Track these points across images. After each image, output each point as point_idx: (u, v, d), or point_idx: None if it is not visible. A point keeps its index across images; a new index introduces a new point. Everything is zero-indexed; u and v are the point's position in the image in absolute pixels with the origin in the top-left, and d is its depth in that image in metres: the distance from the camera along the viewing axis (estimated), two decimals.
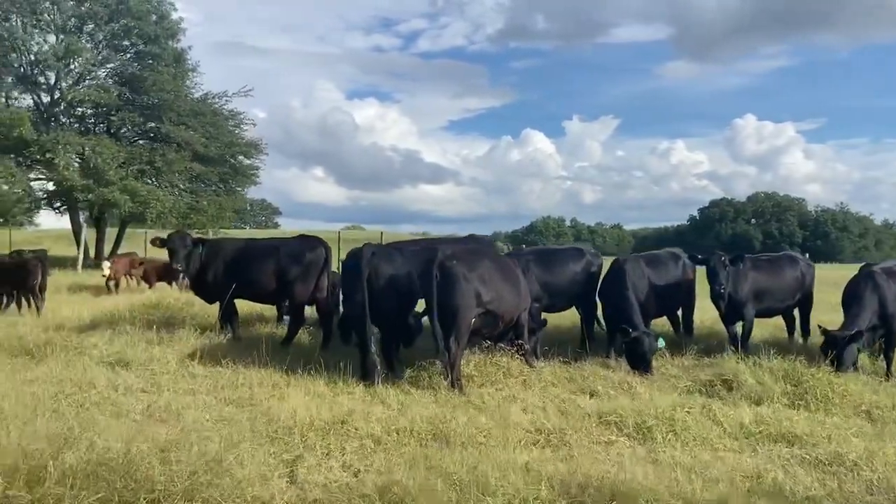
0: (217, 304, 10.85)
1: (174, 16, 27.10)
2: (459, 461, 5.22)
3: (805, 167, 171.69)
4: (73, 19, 25.36)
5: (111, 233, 29.37)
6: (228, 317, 10.34)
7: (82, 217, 27.14)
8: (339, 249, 18.28)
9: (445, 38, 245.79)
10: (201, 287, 10.63)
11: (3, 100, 23.03)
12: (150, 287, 16.63)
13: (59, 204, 25.98)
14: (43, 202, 25.73)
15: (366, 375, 8.02)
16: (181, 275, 16.60)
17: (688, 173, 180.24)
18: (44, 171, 25.43)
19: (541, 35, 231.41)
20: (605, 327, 10.62)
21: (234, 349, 9.41)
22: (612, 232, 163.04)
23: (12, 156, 24.22)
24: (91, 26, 25.78)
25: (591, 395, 7.83)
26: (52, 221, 35.26)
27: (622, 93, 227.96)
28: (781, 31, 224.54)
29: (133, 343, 9.56)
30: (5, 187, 22.60)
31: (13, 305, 12.90)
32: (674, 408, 6.75)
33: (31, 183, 25.23)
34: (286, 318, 11.90)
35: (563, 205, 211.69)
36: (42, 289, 12.51)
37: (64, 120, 26.61)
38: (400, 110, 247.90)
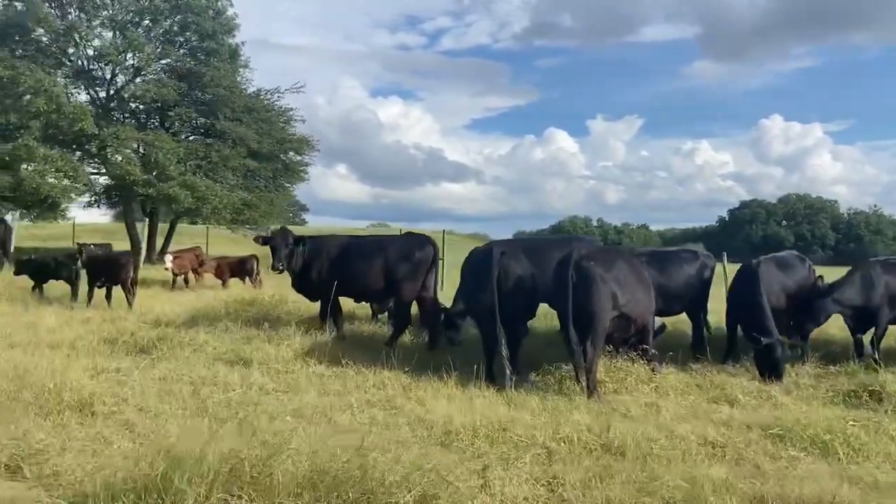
0: (313, 301, 10.78)
1: (230, 11, 27.21)
2: (649, 476, 4.97)
3: (833, 169, 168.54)
4: (131, 14, 25.44)
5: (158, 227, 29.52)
6: (334, 315, 10.19)
7: (113, 212, 26.93)
8: None
9: (470, 37, 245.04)
10: (304, 285, 10.49)
11: (63, 94, 23.07)
12: (223, 284, 16.58)
13: (115, 198, 26.07)
14: (102, 197, 25.83)
15: (497, 378, 7.81)
16: (255, 272, 16.70)
17: (712, 174, 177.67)
18: (102, 165, 25.57)
19: (567, 33, 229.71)
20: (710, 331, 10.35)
21: (346, 348, 9.26)
22: (638, 232, 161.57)
23: (74, 147, 24.40)
24: (149, 21, 25.82)
25: (732, 404, 7.54)
26: (82, 216, 35.63)
27: (647, 92, 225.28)
28: (810, 30, 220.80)
29: (243, 340, 9.47)
30: (66, 181, 22.73)
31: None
32: (842, 420, 6.44)
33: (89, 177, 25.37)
34: (379, 316, 11.77)
35: (586, 204, 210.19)
36: (134, 283, 12.48)
37: (117, 115, 26.70)
38: (423, 108, 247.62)
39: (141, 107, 26.80)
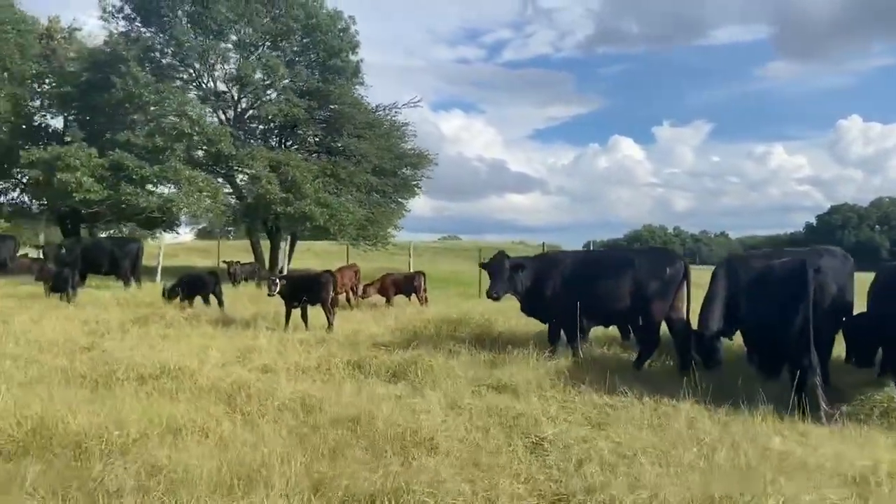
0: (545, 322, 10.26)
1: (352, 28, 27.41)
2: None
3: None
4: (263, 35, 25.90)
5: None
6: (572, 337, 9.64)
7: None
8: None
9: (531, 47, 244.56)
10: (536, 306, 9.99)
11: (204, 117, 23.65)
12: (387, 301, 16.33)
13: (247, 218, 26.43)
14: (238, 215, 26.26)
15: (811, 408, 7.04)
16: (423, 289, 16.39)
17: (787, 178, 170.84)
18: (232, 184, 26.04)
19: (632, 39, 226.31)
20: None
21: (597, 372, 8.66)
22: (717, 240, 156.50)
23: (213, 168, 24.94)
24: (280, 41, 26.25)
25: None
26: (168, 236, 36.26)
27: (716, 96, 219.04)
28: (892, 26, 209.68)
29: (487, 364, 9.02)
30: (208, 201, 23.16)
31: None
32: None
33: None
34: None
35: (653, 212, 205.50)
36: (334, 303, 12.28)
37: (244, 135, 27.14)
38: (485, 120, 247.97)
39: (269, 126, 27.24)
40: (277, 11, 25.63)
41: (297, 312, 12.39)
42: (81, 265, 17.62)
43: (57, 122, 31.90)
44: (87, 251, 18.34)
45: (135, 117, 24.95)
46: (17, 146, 28.29)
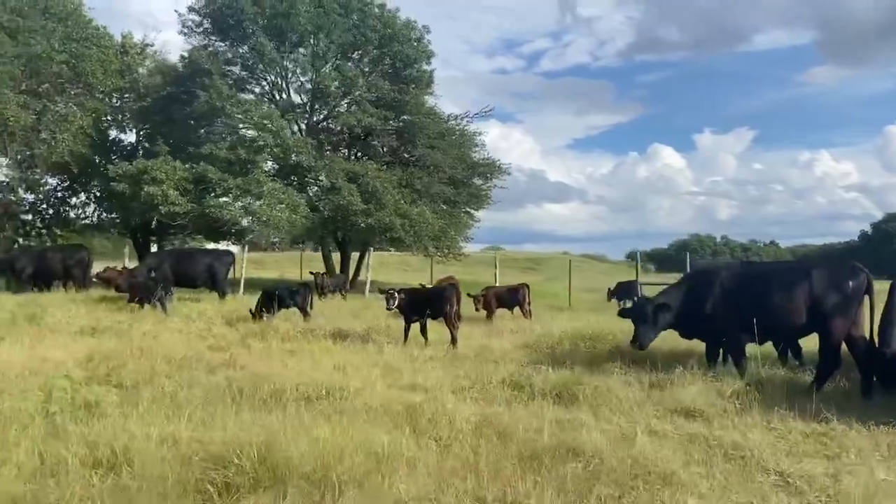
0: (704, 340, 9.59)
1: (426, 38, 27.18)
2: None
3: None
4: (341, 46, 25.83)
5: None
6: (737, 356, 8.97)
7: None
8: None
9: (569, 56, 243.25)
10: (694, 325, 9.33)
11: (287, 128, 23.62)
12: (488, 316, 15.79)
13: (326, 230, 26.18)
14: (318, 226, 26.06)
15: None
16: (527, 302, 15.84)
17: (834, 185, 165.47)
18: (308, 195, 25.87)
19: (673, 46, 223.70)
20: None
21: (772, 394, 7.97)
22: (767, 250, 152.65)
23: (292, 178, 24.86)
24: (358, 52, 26.18)
25: None
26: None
27: (759, 103, 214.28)
28: None
29: (651, 386, 8.41)
30: (288, 213, 23.02)
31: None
32: None
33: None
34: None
35: (695, 221, 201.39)
36: (458, 317, 11.81)
37: (315, 146, 27.05)
38: (523, 130, 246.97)
39: (342, 137, 27.14)
40: (352, 21, 25.55)
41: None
42: (174, 276, 17.50)
43: (129, 137, 32.53)
44: (181, 261, 18.18)
45: (214, 130, 25.10)
46: (94, 161, 28.82)
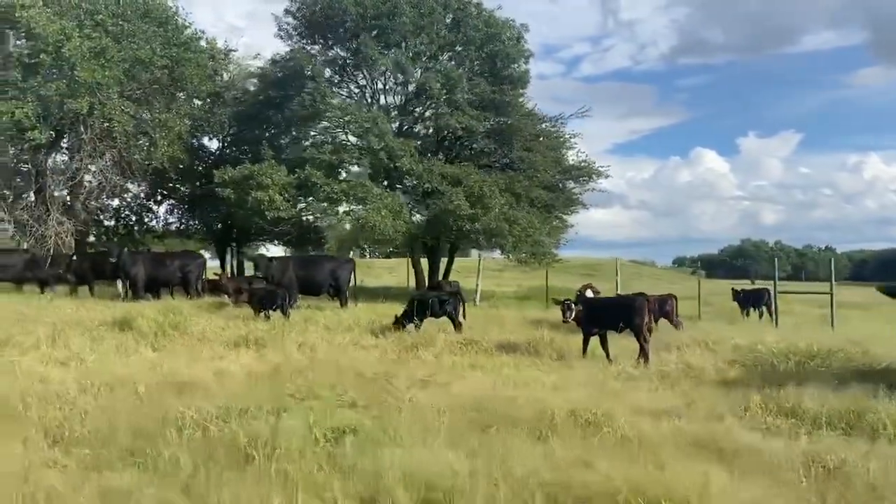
0: None
1: (524, 37, 26.32)
2: None
3: None
4: (441, 47, 25.18)
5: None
6: None
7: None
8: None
9: (609, 61, 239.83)
10: None
11: (390, 132, 23.00)
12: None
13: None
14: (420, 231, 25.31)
15: None
16: (675, 313, 14.83)
17: (885, 189, 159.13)
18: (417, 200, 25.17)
19: (718, 49, 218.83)
20: None
21: None
22: (823, 256, 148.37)
23: (386, 182, 24.20)
24: (459, 49, 25.43)
25: None
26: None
27: (805, 105, 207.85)
28: None
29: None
30: (391, 218, 22.31)
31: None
32: None
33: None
34: None
35: (739, 227, 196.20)
36: (650, 329, 10.91)
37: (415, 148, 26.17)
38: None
39: (439, 139, 26.44)
40: (452, 20, 24.85)
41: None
42: (298, 283, 16.91)
43: (213, 143, 32.43)
44: (305, 268, 17.56)
45: (309, 133, 24.68)
46: (186, 166, 28.75)
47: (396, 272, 36.87)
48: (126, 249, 20.38)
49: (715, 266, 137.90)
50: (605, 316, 11.03)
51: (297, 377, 8.75)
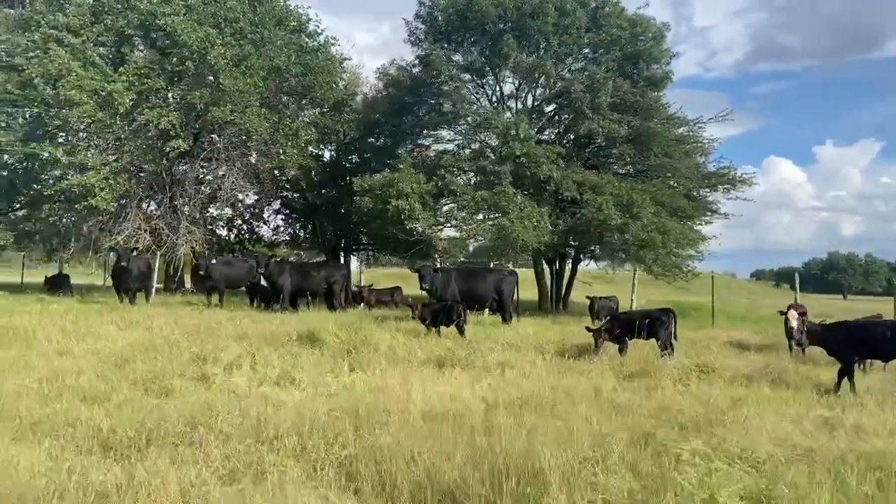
0: None
1: (666, 36, 24.86)
2: None
3: None
4: (585, 48, 24.07)
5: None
6: None
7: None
8: None
9: (678, 68, 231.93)
10: None
11: (532, 138, 21.97)
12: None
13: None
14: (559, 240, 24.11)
15: None
16: None
17: None
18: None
19: (795, 55, 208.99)
20: None
21: None
22: None
23: (534, 192, 23.11)
24: (601, 51, 24.23)
25: None
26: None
27: (886, 112, 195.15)
28: None
29: None
30: (532, 228, 21.20)
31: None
32: None
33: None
34: None
35: (816, 238, 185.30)
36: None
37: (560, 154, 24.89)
38: None
39: (579, 144, 25.26)
40: (593, 20, 23.69)
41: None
42: (462, 296, 15.88)
43: (325, 152, 32.12)
44: (468, 280, 16.48)
45: (448, 139, 23.95)
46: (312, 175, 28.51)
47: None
48: (273, 258, 19.92)
49: (802, 280, 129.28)
50: (870, 343, 9.47)
51: (544, 407, 7.70)
